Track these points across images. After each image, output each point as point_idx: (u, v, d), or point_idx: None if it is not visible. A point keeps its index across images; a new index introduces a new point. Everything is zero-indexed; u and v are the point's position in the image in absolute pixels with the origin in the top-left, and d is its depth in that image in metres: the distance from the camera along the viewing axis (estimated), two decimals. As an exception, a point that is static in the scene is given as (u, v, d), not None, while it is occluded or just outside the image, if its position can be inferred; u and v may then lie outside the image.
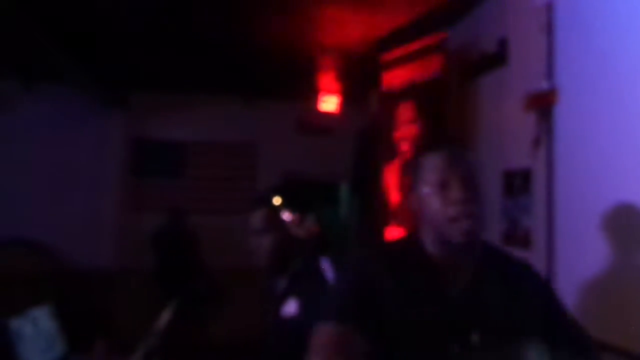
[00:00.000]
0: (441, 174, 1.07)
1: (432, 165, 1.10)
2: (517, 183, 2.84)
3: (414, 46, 3.58)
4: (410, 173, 1.17)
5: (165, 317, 1.28)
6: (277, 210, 1.61)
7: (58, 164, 5.61)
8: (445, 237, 1.07)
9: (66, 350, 2.12)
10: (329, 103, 5.74)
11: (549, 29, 2.61)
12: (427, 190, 1.09)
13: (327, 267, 1.57)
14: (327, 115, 5.86)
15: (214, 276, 5.05)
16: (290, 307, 1.53)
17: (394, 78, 3.81)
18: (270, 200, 1.63)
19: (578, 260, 2.24)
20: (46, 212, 5.43)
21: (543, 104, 2.57)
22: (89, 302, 4.89)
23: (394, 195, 3.75)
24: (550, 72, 2.57)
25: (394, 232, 3.65)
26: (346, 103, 5.86)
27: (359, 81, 5.24)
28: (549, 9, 2.62)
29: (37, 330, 1.93)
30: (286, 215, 1.61)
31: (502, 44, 3.01)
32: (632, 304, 1.93)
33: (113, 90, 5.73)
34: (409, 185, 1.17)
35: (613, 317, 1.99)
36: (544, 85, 2.57)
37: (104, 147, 5.89)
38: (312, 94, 5.74)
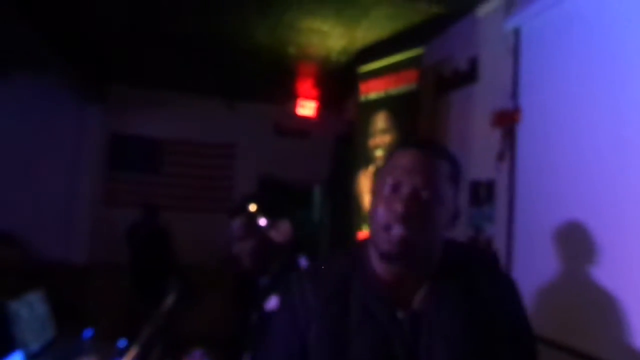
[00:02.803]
0: (397, 175, 0.94)
1: (393, 162, 0.97)
2: (483, 193, 3.02)
3: (391, 59, 3.76)
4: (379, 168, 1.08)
5: (166, 305, 1.38)
6: (253, 217, 1.73)
7: (33, 155, 5.57)
8: (377, 246, 0.95)
9: (56, 334, 2.21)
10: (307, 108, 5.86)
11: (515, 52, 2.82)
12: (379, 189, 0.97)
13: (304, 265, 1.72)
14: (304, 119, 5.98)
15: (185, 273, 5.09)
16: (273, 303, 1.67)
17: (371, 88, 3.98)
18: (246, 208, 1.74)
19: (533, 265, 2.44)
20: (18, 203, 5.39)
21: (507, 122, 2.77)
22: (60, 294, 4.87)
23: (366, 200, 3.92)
24: (515, 93, 2.78)
25: (365, 236, 3.82)
26: (324, 109, 5.99)
27: (337, 89, 5.39)
28: (516, 33, 2.84)
29: (33, 313, 2.02)
30: (262, 221, 1.72)
31: (473, 63, 3.20)
32: (577, 306, 2.13)
33: (92, 84, 5.71)
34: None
35: (561, 317, 2.20)
36: (509, 104, 2.76)
37: (81, 141, 5.87)
38: (291, 98, 5.85)
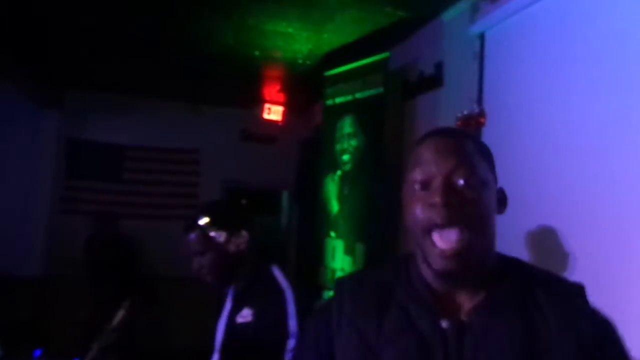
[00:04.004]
0: (423, 170, 0.83)
1: (416, 159, 0.86)
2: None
3: (358, 64, 3.74)
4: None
5: (120, 314, 1.29)
6: (206, 230, 1.65)
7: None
8: (427, 260, 0.83)
9: (3, 355, 2.06)
10: (274, 112, 5.80)
11: (481, 57, 2.83)
12: (408, 191, 0.86)
13: (278, 275, 1.65)
14: (271, 124, 5.92)
15: (150, 283, 4.96)
16: (246, 315, 1.60)
17: (337, 92, 3.95)
18: (198, 222, 1.67)
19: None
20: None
21: (473, 126, 2.76)
22: (15, 309, 4.66)
23: (333, 206, 3.88)
24: (480, 97, 2.78)
25: (332, 242, 3.78)
26: (290, 113, 5.94)
27: (303, 93, 5.35)
28: (482, 38, 2.84)
29: (-28, 334, 1.88)
30: (215, 234, 1.65)
31: (439, 67, 3.21)
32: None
33: (48, 88, 5.49)
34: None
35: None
36: (474, 108, 2.77)
37: (37, 147, 5.63)
38: (257, 102, 5.78)
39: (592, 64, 2.05)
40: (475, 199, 0.80)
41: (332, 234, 3.82)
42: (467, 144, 0.85)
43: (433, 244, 0.80)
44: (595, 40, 2.05)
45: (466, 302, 0.83)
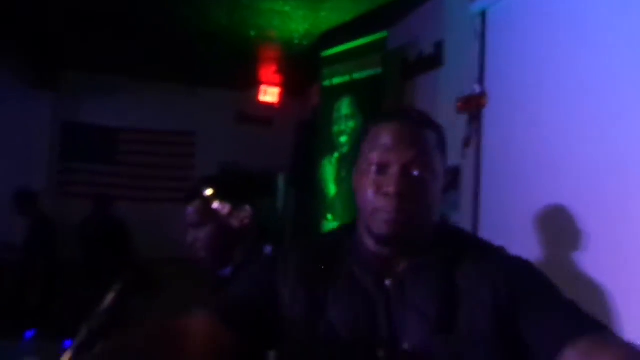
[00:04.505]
0: (381, 156, 0.88)
1: (374, 141, 0.90)
2: (447, 180, 2.98)
3: (355, 43, 3.67)
4: (358, 142, 0.96)
5: (109, 297, 1.26)
6: (209, 202, 1.56)
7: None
8: (368, 229, 0.91)
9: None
10: (270, 94, 5.73)
11: (482, 36, 2.76)
12: (363, 169, 0.91)
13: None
14: (267, 106, 5.84)
15: (145, 266, 4.93)
16: None
17: (335, 73, 3.88)
18: (202, 192, 1.59)
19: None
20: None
21: (474, 107, 2.71)
22: (13, 292, 4.64)
23: (330, 188, 3.84)
24: (481, 77, 2.72)
25: (329, 225, 3.74)
26: (287, 95, 5.87)
27: (300, 74, 5.28)
28: (483, 16, 2.77)
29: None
30: (218, 206, 1.57)
31: (439, 47, 3.14)
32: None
33: (42, 70, 5.42)
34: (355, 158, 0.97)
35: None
36: (475, 89, 2.71)
37: (31, 130, 5.56)
38: (253, 84, 5.70)
39: (597, 40, 2.00)
40: (425, 189, 0.88)
41: (329, 216, 3.78)
42: (429, 134, 0.90)
43: (378, 217, 0.88)
44: (600, 16, 1.99)
45: (403, 265, 0.91)
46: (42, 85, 5.55)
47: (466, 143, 2.78)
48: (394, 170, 0.86)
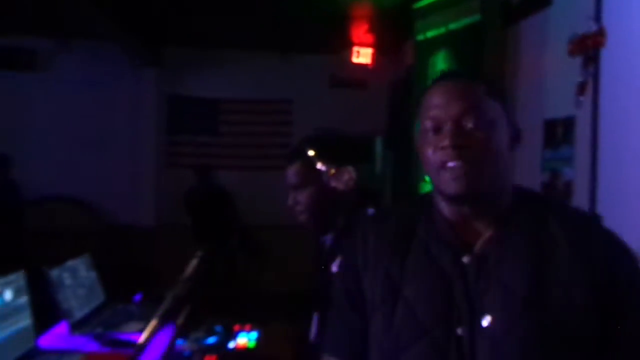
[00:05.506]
0: (434, 115, 0.89)
1: (427, 104, 0.92)
2: (559, 133, 2.71)
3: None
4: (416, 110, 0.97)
5: (192, 265, 1.27)
6: (312, 162, 1.50)
7: (94, 121, 5.75)
8: (440, 191, 0.90)
9: (105, 299, 2.21)
10: (363, 55, 5.58)
11: (598, -35, 2.42)
12: (423, 135, 0.92)
13: None
14: (361, 68, 5.70)
15: (250, 232, 5.13)
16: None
17: (429, 25, 3.65)
18: (304, 153, 1.52)
19: (622, 216, 2.12)
20: (86, 169, 5.60)
21: (589, 47, 2.41)
22: (130, 257, 5.08)
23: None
24: (598, 13, 2.40)
25: (428, 187, 3.59)
26: (380, 55, 5.68)
27: (393, 31, 5.07)
28: (599, -58, 2.42)
29: (76, 279, 2.01)
30: (322, 167, 1.50)
31: (546, -17, 2.82)
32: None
33: (147, 47, 5.74)
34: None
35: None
36: (591, 26, 2.40)
37: (139, 105, 5.96)
38: (345, 46, 5.59)
39: None
40: (483, 139, 0.86)
41: (427, 178, 3.63)
42: (475, 86, 0.90)
43: (444, 173, 0.86)
44: None
45: (482, 233, 0.89)
46: (147, 61, 5.87)
47: (581, 90, 2.49)
48: (447, 126, 0.87)
